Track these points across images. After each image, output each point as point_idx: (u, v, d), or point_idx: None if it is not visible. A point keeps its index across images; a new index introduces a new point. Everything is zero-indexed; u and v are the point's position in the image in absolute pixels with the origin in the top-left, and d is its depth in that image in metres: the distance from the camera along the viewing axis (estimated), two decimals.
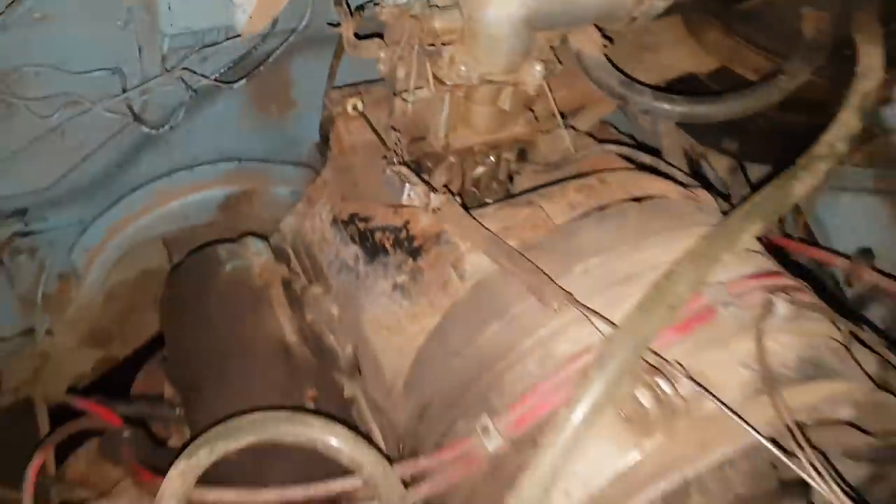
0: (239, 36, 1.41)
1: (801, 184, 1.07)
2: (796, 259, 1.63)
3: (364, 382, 1.36)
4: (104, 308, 1.83)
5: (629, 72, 1.57)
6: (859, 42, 1.32)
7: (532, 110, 1.42)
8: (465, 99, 1.34)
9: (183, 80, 1.53)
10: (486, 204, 1.36)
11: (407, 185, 1.24)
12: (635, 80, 1.34)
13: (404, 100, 1.31)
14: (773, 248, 1.33)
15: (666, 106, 1.32)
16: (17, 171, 1.54)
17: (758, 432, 0.88)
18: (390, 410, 1.26)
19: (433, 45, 1.24)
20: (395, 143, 1.38)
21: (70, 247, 1.77)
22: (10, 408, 1.93)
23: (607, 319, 0.98)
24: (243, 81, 1.53)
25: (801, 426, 0.99)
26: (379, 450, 1.08)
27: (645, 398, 0.91)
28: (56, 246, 1.75)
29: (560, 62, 1.40)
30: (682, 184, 1.31)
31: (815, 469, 0.86)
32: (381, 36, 1.35)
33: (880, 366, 1.15)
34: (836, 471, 0.96)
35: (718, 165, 1.81)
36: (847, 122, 1.19)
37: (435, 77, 1.29)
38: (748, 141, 1.75)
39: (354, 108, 1.46)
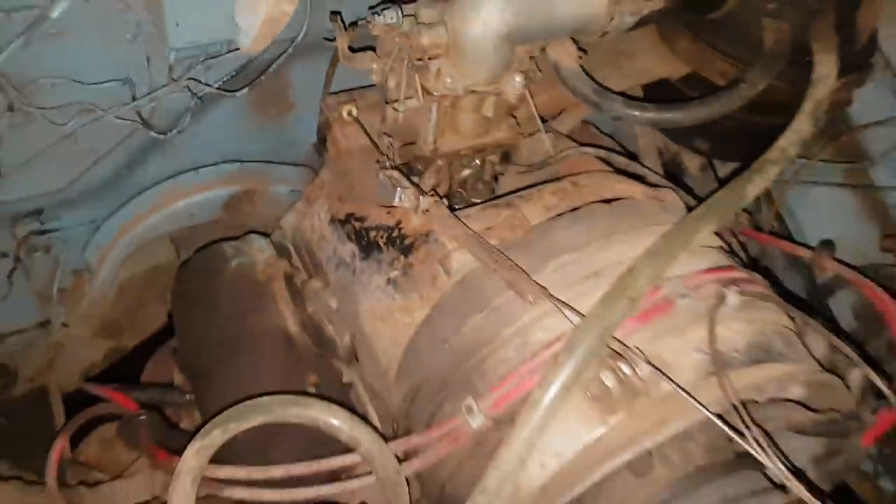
0: (240, 49, 1.45)
1: (754, 186, 1.16)
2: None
3: (361, 369, 1.42)
4: (115, 301, 1.87)
5: (607, 76, 1.64)
6: (815, 51, 1.40)
7: (514, 116, 1.48)
8: (451, 107, 1.40)
9: (189, 89, 1.57)
10: (473, 204, 1.43)
11: (398, 188, 1.30)
12: (608, 89, 1.41)
13: (395, 109, 1.37)
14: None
15: (635, 112, 1.40)
16: (34, 175, 1.58)
17: (707, 409, 0.97)
18: (385, 394, 1.33)
19: (421, 59, 1.31)
20: (388, 148, 1.44)
21: (83, 244, 1.80)
22: (26, 396, 1.97)
23: (577, 311, 1.06)
24: (245, 90, 1.58)
25: (750, 404, 1.09)
26: (375, 429, 1.15)
27: (609, 380, 1.00)
28: (70, 244, 1.79)
29: (540, 70, 1.48)
30: (652, 184, 1.40)
31: (756, 441, 0.95)
32: (373, 49, 1.40)
33: (829, 350, 1.24)
34: (777, 444, 1.06)
35: (690, 163, 1.90)
36: (800, 128, 1.27)
37: (423, 88, 1.36)
38: (718, 141, 1.80)
39: (349, 113, 1.51)
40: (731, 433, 0.95)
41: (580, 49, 1.43)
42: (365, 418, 1.25)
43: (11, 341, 1.92)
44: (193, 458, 1.09)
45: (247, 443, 1.18)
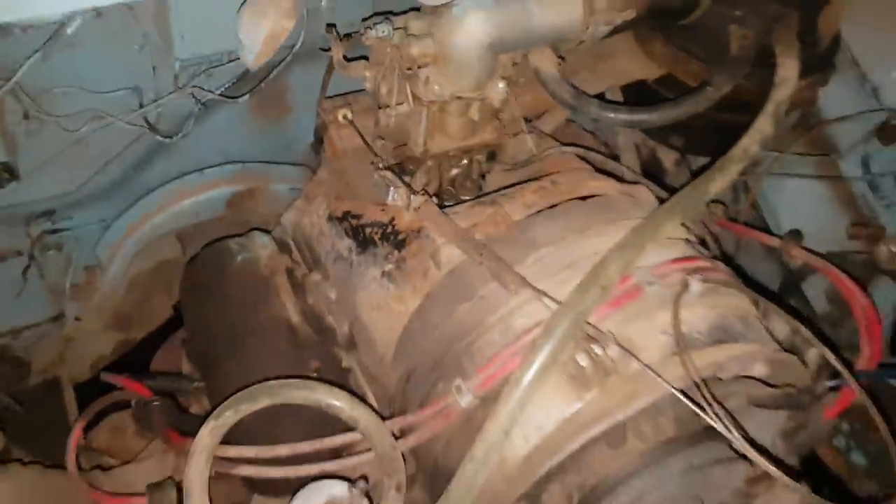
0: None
1: (716, 183, 1.25)
2: None
3: (359, 355, 1.48)
4: (125, 296, 1.91)
5: (587, 78, 1.72)
6: (778, 54, 1.48)
7: (499, 118, 1.55)
8: (439, 112, 1.47)
9: (193, 96, 1.62)
10: (462, 201, 1.52)
11: (391, 187, 1.38)
12: (584, 93, 1.49)
13: (388, 113, 1.45)
14: None
15: (610, 114, 1.48)
16: (47, 178, 1.63)
17: (671, 385, 1.06)
18: (382, 377, 1.40)
19: (411, 68, 1.39)
20: (381, 149, 1.52)
21: (94, 242, 1.84)
22: (39, 387, 2.03)
23: (554, 299, 1.14)
24: (247, 96, 1.64)
25: (715, 381, 1.17)
26: (373, 408, 1.22)
27: (583, 360, 1.08)
28: (81, 242, 1.83)
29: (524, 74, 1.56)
30: (626, 181, 1.49)
31: (716, 413, 1.04)
32: (366, 58, 1.48)
33: (791, 332, 1.31)
34: (742, 418, 1.14)
35: (666, 158, 1.99)
36: (761, 128, 1.36)
37: (413, 94, 1.44)
38: (691, 137, 1.88)
39: (345, 117, 1.58)
40: (692, 406, 1.04)
41: (559, 56, 1.50)
42: (364, 400, 1.29)
43: (26, 335, 1.97)
44: (208, 436, 1.16)
45: (254, 425, 1.24)
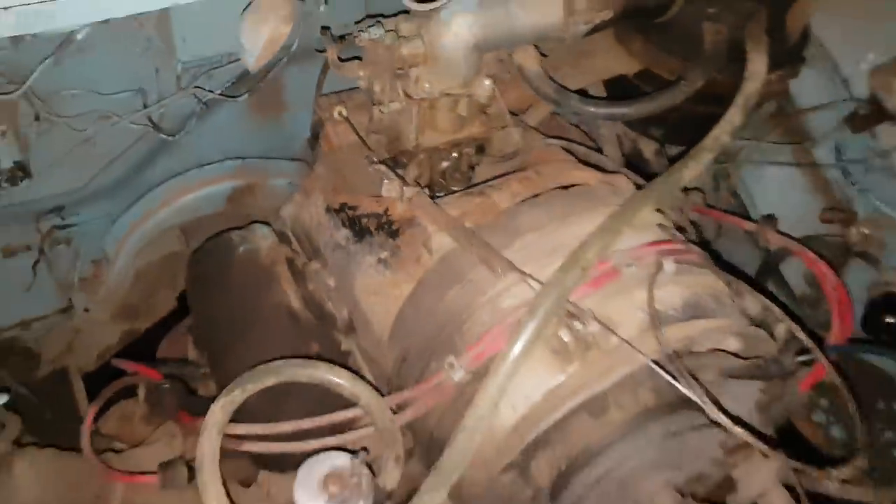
0: (240, 59, 1.55)
1: (689, 171, 1.32)
2: None
3: (357, 338, 1.52)
4: (132, 288, 1.95)
5: (569, 74, 1.77)
6: (749, 50, 1.54)
7: (486, 113, 1.61)
8: (429, 108, 1.53)
9: (195, 95, 1.66)
10: (452, 192, 1.57)
11: (385, 180, 1.42)
12: (566, 88, 1.56)
13: (381, 110, 1.50)
14: None
15: (590, 108, 1.55)
16: (56, 175, 1.67)
17: (647, 357, 1.13)
18: (379, 359, 1.44)
19: (402, 68, 1.45)
20: (375, 144, 1.58)
21: (101, 237, 1.89)
22: (49, 377, 2.07)
23: (539, 280, 1.20)
24: (246, 96, 1.68)
25: (690, 354, 1.24)
26: (372, 385, 1.26)
27: (566, 336, 1.14)
28: (89, 236, 1.88)
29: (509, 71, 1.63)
30: (606, 171, 1.54)
31: (687, 381, 1.12)
32: (359, 58, 1.52)
33: (762, 309, 1.38)
34: (715, 388, 1.20)
35: (646, 148, 2.06)
36: (732, 119, 1.42)
37: (405, 92, 1.49)
38: (670, 128, 1.96)
39: (340, 113, 1.62)
40: (666, 376, 1.12)
41: (542, 54, 1.57)
42: None
43: (35, 327, 2.02)
44: (219, 412, 1.19)
45: (260, 406, 1.27)
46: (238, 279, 1.63)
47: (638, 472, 1.20)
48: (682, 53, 1.71)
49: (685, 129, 1.80)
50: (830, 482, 1.24)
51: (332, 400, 1.28)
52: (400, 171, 1.52)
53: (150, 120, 1.66)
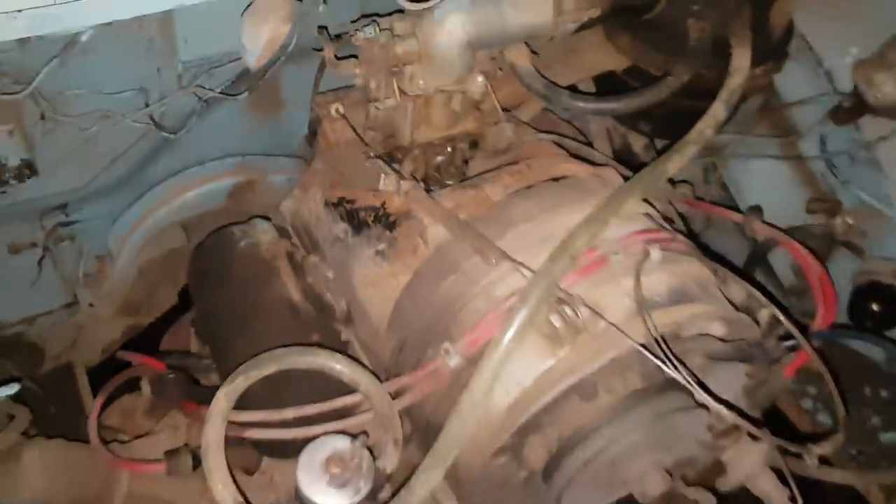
0: (240, 58, 1.58)
1: (674, 163, 1.35)
2: None
3: (356, 328, 1.56)
4: (135, 283, 1.97)
5: (560, 71, 1.80)
6: (733, 45, 1.58)
7: (479, 109, 1.65)
8: (424, 105, 1.57)
9: (195, 94, 1.67)
10: (446, 185, 1.60)
11: (382, 174, 1.46)
12: (556, 84, 1.60)
13: (377, 107, 1.54)
14: None
15: (580, 104, 1.58)
16: (61, 173, 1.68)
17: (634, 341, 1.17)
18: (377, 348, 1.47)
19: (397, 66, 1.49)
20: (372, 140, 1.61)
21: (105, 233, 1.91)
22: (53, 372, 2.09)
23: (530, 269, 1.24)
24: (245, 94, 1.69)
25: (676, 338, 1.28)
26: (371, 371, 1.30)
27: (556, 321, 1.17)
28: (93, 233, 1.90)
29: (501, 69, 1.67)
30: (596, 163, 1.59)
31: (673, 364, 1.15)
32: (355, 56, 1.55)
33: (746, 296, 1.42)
34: (692, 371, 1.21)
35: (635, 143, 2.10)
36: (716, 113, 1.46)
37: (400, 89, 1.53)
38: (658, 122, 1.99)
39: (337, 111, 1.65)
40: (652, 358, 1.16)
41: (532, 51, 1.61)
42: None
43: (40, 322, 2.03)
44: (223, 399, 1.23)
45: (262, 394, 1.32)
46: (239, 273, 1.66)
47: (627, 452, 1.25)
48: (667, 50, 1.75)
49: (673, 123, 1.83)
50: (809, 457, 1.28)
51: (331, 389, 1.31)
52: (396, 166, 1.56)
53: (152, 119, 1.68)
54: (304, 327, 1.57)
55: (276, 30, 1.40)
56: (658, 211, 1.51)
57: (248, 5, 1.44)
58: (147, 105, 1.65)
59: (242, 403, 1.27)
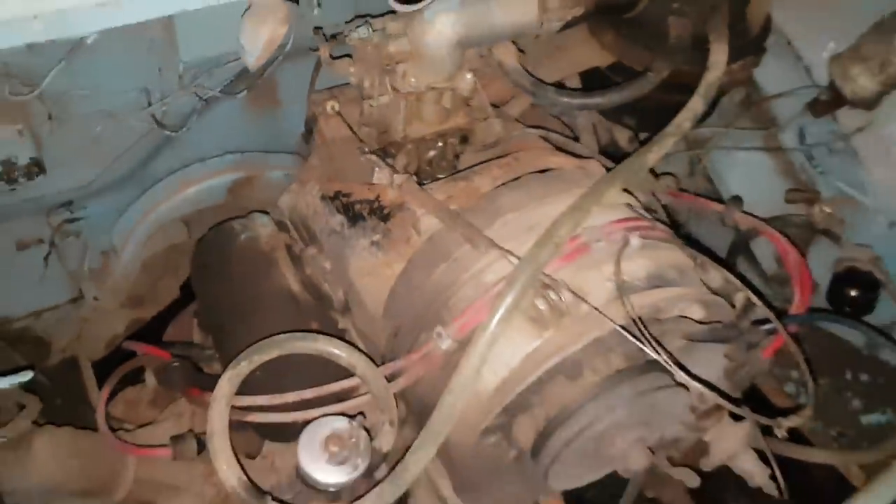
0: (239, 59, 1.61)
1: (653, 155, 1.41)
2: None
3: (353, 317, 1.58)
4: (138, 277, 2.03)
5: (548, 67, 1.86)
6: (711, 41, 1.63)
7: (469, 105, 1.71)
8: (416, 101, 1.61)
9: (196, 94, 1.71)
10: (438, 178, 1.64)
11: (376, 168, 1.49)
12: (542, 81, 1.66)
13: (370, 104, 1.59)
14: None
15: (565, 99, 1.64)
16: (67, 171, 1.72)
17: (614, 322, 1.23)
18: (373, 335, 1.51)
19: (389, 64, 1.54)
20: (366, 136, 1.66)
21: (109, 229, 1.97)
22: (59, 365, 2.18)
23: (518, 256, 1.28)
24: (244, 93, 1.73)
25: (655, 321, 1.33)
26: (368, 356, 1.34)
27: (541, 305, 1.22)
28: (97, 229, 1.96)
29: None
30: (580, 156, 1.64)
31: (650, 343, 1.21)
32: (350, 56, 1.60)
33: (724, 281, 1.48)
34: (669, 352, 1.26)
35: (620, 136, 2.16)
36: (694, 107, 1.51)
37: (392, 87, 1.58)
38: (642, 117, 2.05)
39: (332, 108, 1.70)
40: (631, 338, 1.22)
41: (519, 49, 1.67)
42: None
43: (46, 317, 2.11)
44: (227, 384, 1.27)
45: (264, 380, 1.35)
46: (240, 265, 1.70)
47: (611, 429, 1.30)
48: (649, 46, 1.80)
49: (656, 117, 1.89)
50: (779, 430, 1.34)
51: (329, 373, 1.36)
52: (390, 161, 1.60)
53: (154, 118, 1.72)
54: (303, 316, 1.60)
55: (273, 31, 1.44)
56: (640, 201, 1.57)
57: (247, 8, 1.49)
58: (149, 105, 1.69)
59: (245, 389, 1.31)
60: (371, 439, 1.32)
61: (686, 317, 1.39)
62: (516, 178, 1.50)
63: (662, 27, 1.72)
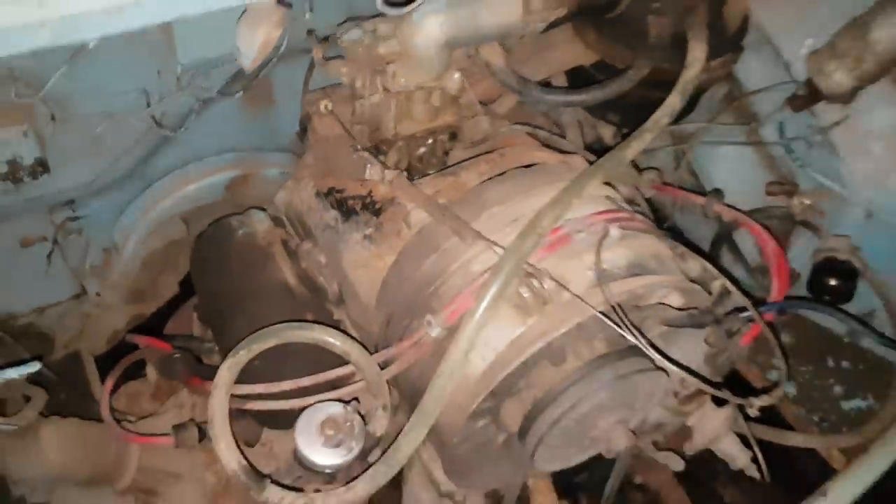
0: (235, 60, 1.62)
1: (632, 149, 1.47)
2: None
3: (347, 308, 1.63)
4: (139, 274, 2.08)
5: (533, 66, 1.92)
6: (690, 39, 1.69)
7: (458, 103, 1.75)
8: (406, 100, 1.66)
9: (194, 95, 1.74)
10: (427, 174, 1.69)
11: (368, 165, 1.52)
12: (527, 80, 1.71)
13: (362, 104, 1.63)
14: None
15: (549, 97, 1.70)
16: (69, 171, 1.75)
17: (594, 308, 1.28)
18: (367, 325, 1.55)
19: (380, 65, 1.59)
20: (358, 134, 1.70)
21: (110, 227, 2.01)
22: (62, 360, 2.20)
23: (503, 247, 1.33)
24: (241, 93, 1.76)
25: (635, 308, 1.39)
26: (361, 344, 1.39)
27: (525, 292, 1.27)
28: (99, 227, 2.00)
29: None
30: (564, 152, 1.70)
31: (628, 327, 1.27)
32: (342, 57, 1.64)
33: (702, 270, 1.53)
34: (647, 337, 1.32)
35: (605, 132, 2.22)
36: (672, 103, 1.57)
37: (383, 87, 1.62)
38: (625, 113, 2.10)
39: (325, 107, 1.72)
40: (610, 323, 1.27)
41: (505, 49, 1.72)
42: None
43: (50, 313, 2.14)
44: (227, 373, 1.31)
45: (262, 369, 1.38)
46: (238, 260, 1.74)
47: (593, 411, 1.36)
48: (630, 45, 1.85)
49: (639, 113, 1.95)
50: (751, 409, 1.40)
51: (325, 362, 1.40)
52: (381, 158, 1.64)
53: (153, 118, 1.75)
54: (299, 309, 1.64)
55: (268, 34, 1.49)
56: (622, 194, 1.63)
57: (243, 13, 1.54)
58: (148, 105, 1.72)
59: (243, 378, 1.34)
60: (365, 423, 1.36)
61: (665, 304, 1.45)
62: (502, 173, 1.55)
63: (643, 26, 1.77)
